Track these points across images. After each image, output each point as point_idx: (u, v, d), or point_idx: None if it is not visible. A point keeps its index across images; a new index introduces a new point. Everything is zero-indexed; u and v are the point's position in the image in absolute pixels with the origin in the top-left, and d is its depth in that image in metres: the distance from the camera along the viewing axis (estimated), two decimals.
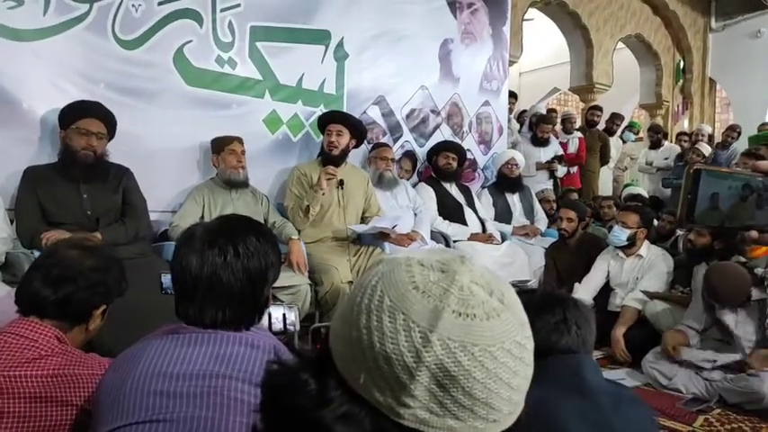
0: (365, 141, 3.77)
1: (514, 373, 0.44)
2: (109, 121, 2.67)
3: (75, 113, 2.57)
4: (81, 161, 2.55)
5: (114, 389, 1.00)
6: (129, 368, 1.01)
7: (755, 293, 2.62)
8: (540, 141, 5.32)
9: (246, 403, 0.96)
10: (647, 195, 5.61)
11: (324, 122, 3.43)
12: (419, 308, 0.43)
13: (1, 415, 1.09)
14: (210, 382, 0.97)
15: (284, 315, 1.61)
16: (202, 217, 2.96)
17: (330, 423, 0.43)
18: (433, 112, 4.55)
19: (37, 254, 2.16)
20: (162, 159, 3.17)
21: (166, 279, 2.23)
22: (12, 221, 2.50)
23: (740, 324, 2.68)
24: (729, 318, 2.70)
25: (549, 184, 5.34)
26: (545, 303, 1.07)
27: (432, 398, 0.42)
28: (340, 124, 3.36)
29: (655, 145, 6.67)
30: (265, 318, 1.45)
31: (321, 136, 3.53)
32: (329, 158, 3.32)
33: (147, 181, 2.91)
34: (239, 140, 3.17)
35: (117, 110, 2.78)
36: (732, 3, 7.75)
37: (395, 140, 4.27)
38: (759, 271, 2.70)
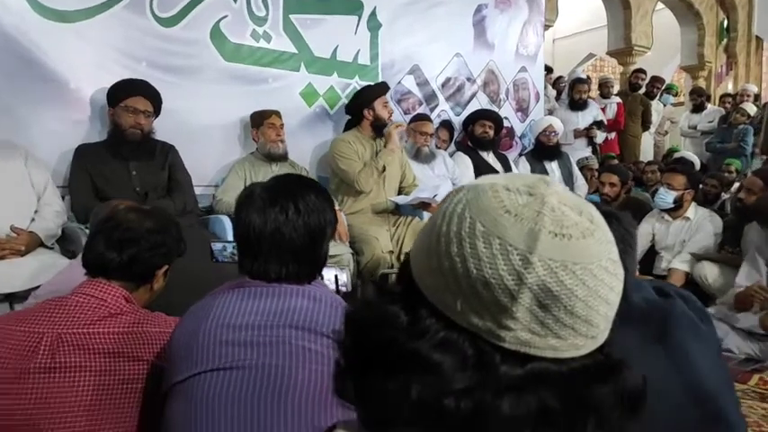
0: (401, 110, 3.75)
1: (611, 289, 0.44)
2: (155, 99, 2.72)
3: (122, 92, 2.63)
4: (129, 139, 2.62)
5: (186, 341, 1.04)
6: (199, 321, 1.04)
7: None
8: (577, 105, 5.20)
9: (314, 351, 0.99)
10: (696, 160, 5.39)
11: (372, 98, 3.39)
12: (514, 231, 0.43)
13: (79, 369, 1.14)
14: (278, 332, 1.00)
15: (336, 276, 1.64)
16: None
17: (427, 352, 0.43)
18: (468, 80, 4.48)
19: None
20: (203, 135, 3.22)
21: (217, 247, 2.30)
22: (63, 198, 2.59)
23: None
24: None
25: (588, 151, 5.24)
26: None
27: (533, 319, 0.42)
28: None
29: (698, 108, 6.45)
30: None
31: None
32: (382, 128, 3.34)
33: (190, 157, 2.97)
34: (278, 114, 3.20)
35: (159, 87, 2.82)
36: None
37: (431, 110, 4.23)
38: None
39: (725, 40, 7.81)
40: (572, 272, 0.42)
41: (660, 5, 7.05)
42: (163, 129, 2.86)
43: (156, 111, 2.76)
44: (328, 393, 0.93)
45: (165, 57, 3.09)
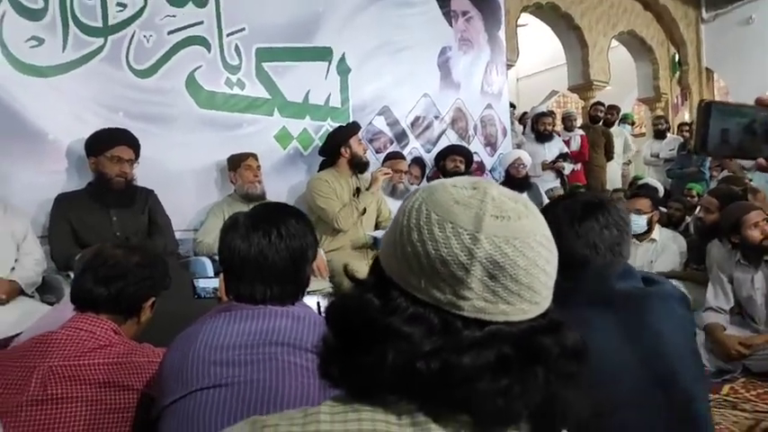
0: (373, 149, 3.88)
1: (547, 261, 0.54)
2: (136, 147, 2.80)
3: (106, 142, 2.71)
4: (115, 187, 2.68)
5: (177, 364, 1.09)
6: (188, 344, 1.09)
7: None
8: (543, 137, 5.42)
9: (299, 366, 1.05)
10: (660, 186, 5.54)
11: (346, 136, 3.50)
12: (463, 217, 0.52)
13: (71, 400, 1.18)
14: (265, 350, 1.05)
15: (318, 303, 1.70)
16: None
17: (399, 325, 0.52)
18: (436, 118, 4.67)
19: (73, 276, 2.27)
20: (180, 180, 3.29)
21: (199, 284, 2.34)
22: (43, 247, 2.61)
23: (759, 291, 2.72)
24: (747, 285, 2.74)
25: (557, 183, 5.42)
26: (588, 208, 1.11)
27: (485, 288, 0.51)
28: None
29: (661, 135, 6.75)
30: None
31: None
32: (362, 166, 3.44)
33: (169, 202, 3.03)
34: (254, 156, 3.30)
35: (137, 135, 2.90)
36: None
37: (402, 148, 4.38)
38: None
39: (678, 72, 8.23)
40: (513, 245, 0.51)
41: (615, 43, 7.45)
42: (141, 175, 2.92)
43: (137, 157, 2.83)
44: (315, 404, 0.98)
45: (141, 106, 3.19)
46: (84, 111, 3.00)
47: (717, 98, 8.92)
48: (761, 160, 0.70)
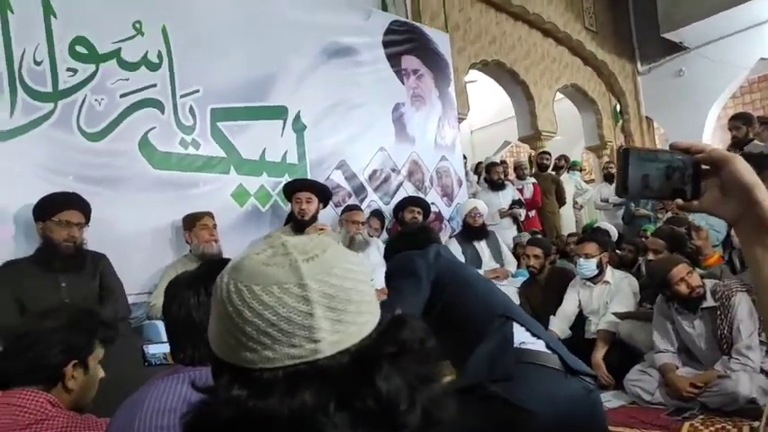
0: (332, 203, 3.91)
1: (364, 274, 0.58)
2: (86, 211, 2.74)
3: (54, 206, 2.64)
4: (63, 252, 2.60)
5: (124, 430, 1.04)
6: (134, 411, 1.05)
7: (708, 300, 2.76)
8: (496, 185, 5.58)
9: None
10: (612, 230, 5.67)
11: (290, 191, 3.57)
12: (281, 274, 0.54)
13: None
14: None
15: None
16: None
17: (277, 406, 0.50)
18: (393, 170, 4.77)
19: None
20: (134, 243, 3.22)
21: (149, 351, 2.25)
22: None
23: (699, 337, 2.81)
24: (691, 332, 2.83)
25: (514, 229, 5.55)
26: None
27: (332, 322, 0.53)
28: (308, 191, 3.51)
29: (610, 179, 7.03)
30: None
31: (288, 204, 3.66)
32: (301, 224, 3.43)
33: (122, 265, 2.95)
34: (210, 215, 3.27)
35: (87, 198, 2.84)
36: (653, 48, 8.45)
37: (361, 201, 4.43)
38: (708, 282, 2.85)
39: (620, 121, 8.70)
40: (333, 274, 0.55)
41: (560, 95, 7.85)
42: (93, 239, 2.85)
43: (87, 221, 2.77)
44: None
45: (92, 169, 3.14)
46: (33, 176, 2.93)
47: (658, 144, 9.42)
48: (678, 201, 0.74)
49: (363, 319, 0.56)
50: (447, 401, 0.57)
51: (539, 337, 1.68)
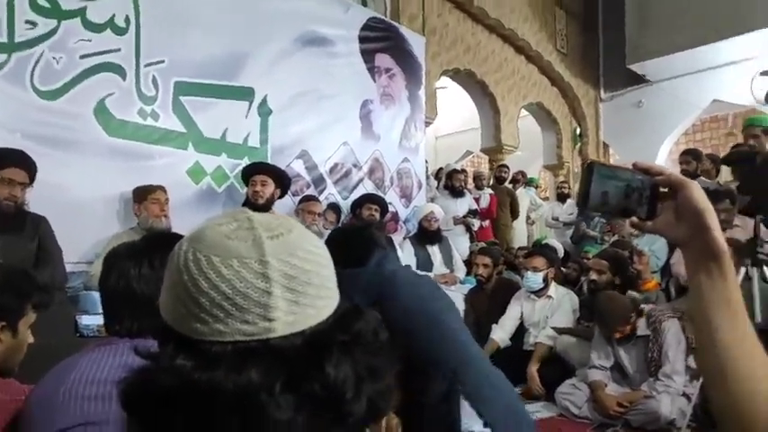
0: (290, 193, 3.87)
1: (327, 258, 0.58)
2: (31, 170, 2.63)
3: None
4: (3, 211, 2.49)
5: (45, 401, 1.00)
6: (60, 379, 1.02)
7: (641, 328, 2.90)
8: (456, 192, 5.66)
9: None
10: (559, 247, 5.87)
11: (248, 174, 3.51)
12: (243, 248, 0.53)
13: None
14: None
15: None
16: None
17: (225, 380, 0.49)
18: (355, 166, 4.76)
19: None
20: (80, 209, 3.11)
21: (82, 321, 2.18)
22: None
23: (632, 361, 2.94)
24: (624, 356, 2.96)
25: (467, 237, 5.64)
26: None
27: (289, 302, 0.52)
28: (264, 174, 3.46)
29: (563, 198, 7.23)
30: None
31: (245, 188, 3.60)
32: (255, 208, 3.38)
33: (63, 231, 2.84)
34: (162, 189, 3.18)
35: (34, 159, 2.72)
36: (617, 77, 8.75)
37: (319, 193, 4.40)
38: (645, 307, 2.99)
39: (579, 144, 8.97)
40: (297, 256, 0.54)
41: (524, 112, 8.03)
42: (36, 200, 2.73)
43: (32, 181, 2.65)
44: None
45: (42, 128, 3.02)
46: None
47: None
48: (633, 219, 0.77)
49: (322, 303, 0.55)
50: (393, 395, 0.57)
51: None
